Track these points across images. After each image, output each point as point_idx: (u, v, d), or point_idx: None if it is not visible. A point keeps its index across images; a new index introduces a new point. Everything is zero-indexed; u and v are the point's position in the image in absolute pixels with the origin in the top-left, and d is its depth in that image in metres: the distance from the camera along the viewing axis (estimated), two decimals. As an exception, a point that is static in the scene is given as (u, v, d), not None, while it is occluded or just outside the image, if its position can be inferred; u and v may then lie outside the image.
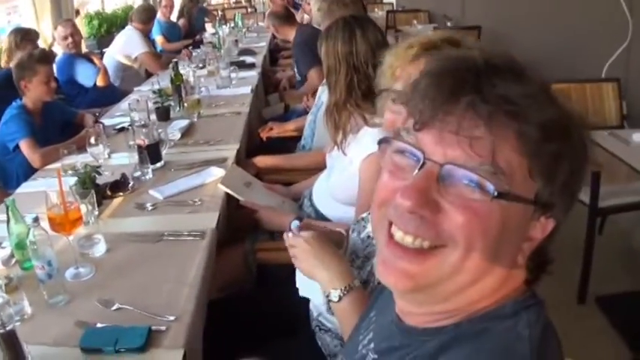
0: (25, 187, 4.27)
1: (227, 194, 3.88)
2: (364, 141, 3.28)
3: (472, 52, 1.35)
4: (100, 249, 3.16)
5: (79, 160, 4.16)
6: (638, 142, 4.78)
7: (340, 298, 2.22)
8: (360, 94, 3.44)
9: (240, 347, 2.79)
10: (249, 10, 20.49)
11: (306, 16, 11.38)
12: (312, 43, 5.43)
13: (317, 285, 2.39)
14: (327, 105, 3.69)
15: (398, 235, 1.31)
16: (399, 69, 2.43)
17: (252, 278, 3.62)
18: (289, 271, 2.57)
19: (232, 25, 12.45)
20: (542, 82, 1.29)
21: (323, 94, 4.81)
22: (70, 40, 7.90)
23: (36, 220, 2.62)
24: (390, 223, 1.34)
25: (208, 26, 14.80)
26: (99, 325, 2.50)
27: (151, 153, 4.25)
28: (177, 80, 6.06)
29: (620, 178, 4.86)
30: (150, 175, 4.20)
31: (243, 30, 12.71)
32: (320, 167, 4.14)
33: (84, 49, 8.86)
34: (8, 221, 2.98)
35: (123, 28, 10.58)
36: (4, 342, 2.16)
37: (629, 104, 6.38)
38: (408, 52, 2.40)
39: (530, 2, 9.44)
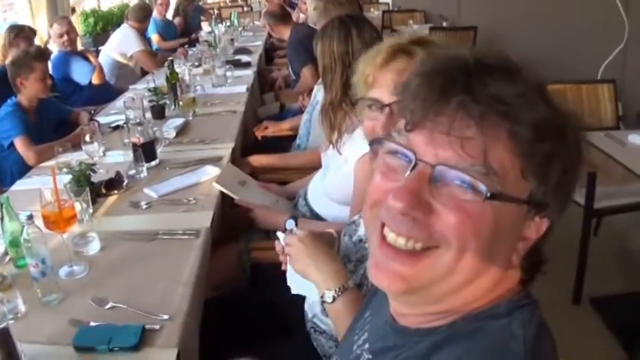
0: (20, 185, 4.25)
1: (222, 193, 3.87)
2: (359, 140, 3.27)
3: (463, 51, 1.34)
4: (94, 247, 3.16)
5: (74, 157, 4.14)
6: (634, 144, 4.79)
7: (334, 299, 2.21)
8: (355, 94, 3.44)
9: (234, 346, 2.78)
10: (245, 9, 20.51)
11: (302, 16, 11.36)
12: (306, 41, 5.42)
13: (309, 283, 2.39)
14: (322, 104, 3.69)
15: (390, 236, 1.31)
16: (370, 76, 2.45)
17: (246, 277, 3.61)
18: (283, 270, 2.56)
19: (228, 23, 12.43)
20: (536, 82, 1.29)
21: (319, 94, 4.81)
22: (65, 37, 7.89)
23: (30, 217, 2.61)
24: (383, 225, 1.34)
25: (204, 25, 14.77)
26: (92, 323, 2.49)
27: (146, 151, 4.24)
28: (173, 79, 6.05)
29: (616, 180, 4.86)
30: (145, 174, 4.19)
31: (239, 29, 12.71)
32: (315, 166, 4.14)
33: (79, 47, 8.87)
34: (2, 219, 2.98)
35: (119, 26, 10.57)
36: (-3, 340, 2.16)
37: (624, 105, 6.40)
38: (377, 59, 2.42)
39: (526, 3, 9.44)
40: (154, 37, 11.69)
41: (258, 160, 4.84)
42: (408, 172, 1.26)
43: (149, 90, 5.99)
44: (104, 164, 4.35)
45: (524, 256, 1.35)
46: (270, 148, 5.28)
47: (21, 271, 2.89)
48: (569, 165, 1.27)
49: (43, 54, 5.83)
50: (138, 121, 4.53)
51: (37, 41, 7.80)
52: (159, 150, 4.52)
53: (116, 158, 4.59)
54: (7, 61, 5.88)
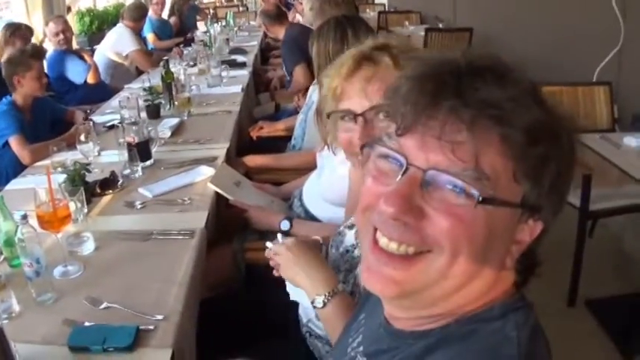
0: (15, 184, 4.24)
1: (217, 193, 3.87)
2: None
3: (455, 54, 1.33)
4: (88, 247, 3.16)
5: (69, 157, 4.14)
6: (629, 146, 4.80)
7: (325, 304, 2.21)
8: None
9: (230, 347, 2.78)
10: (241, 8, 20.58)
11: (298, 16, 11.38)
12: (300, 40, 5.42)
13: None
14: (317, 104, 3.69)
15: (383, 241, 1.31)
16: (339, 88, 2.45)
17: (241, 278, 3.61)
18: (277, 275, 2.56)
19: (224, 23, 12.43)
20: (528, 84, 1.28)
21: (314, 94, 4.80)
22: (61, 36, 7.89)
23: (24, 217, 2.61)
24: (375, 229, 1.33)
25: (200, 24, 14.79)
26: (87, 323, 2.49)
27: (141, 151, 4.24)
28: (168, 78, 6.05)
29: (611, 182, 4.86)
30: (139, 173, 4.19)
31: (235, 29, 12.71)
32: (310, 167, 4.13)
33: (75, 46, 8.86)
34: (-4, 218, 2.97)
35: (114, 25, 10.56)
36: (-10, 340, 2.15)
37: (620, 108, 6.39)
38: (341, 69, 2.43)
39: (522, 5, 9.45)
40: (150, 37, 11.69)
41: (253, 160, 4.84)
42: (400, 176, 1.26)
43: (144, 89, 6.02)
44: (99, 164, 4.35)
45: (518, 259, 1.34)
46: (266, 149, 5.27)
47: (15, 270, 2.89)
48: (563, 167, 1.27)
49: (40, 52, 5.82)
50: (133, 120, 4.52)
51: (33, 40, 7.79)
52: (154, 150, 4.52)
53: (111, 158, 4.57)
54: (3, 60, 5.86)
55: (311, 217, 3.74)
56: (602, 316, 4.60)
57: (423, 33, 11.30)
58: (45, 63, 6.45)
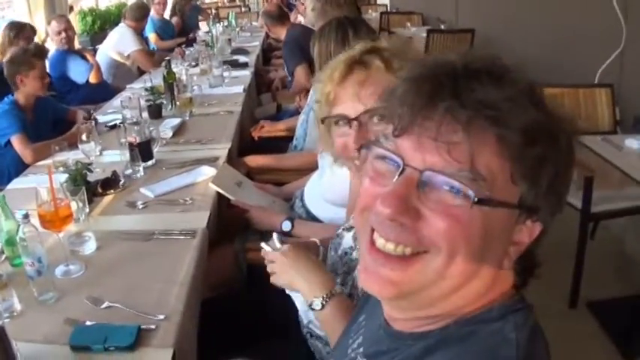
0: (16, 183, 4.25)
1: (218, 193, 3.87)
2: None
3: (452, 56, 1.34)
4: (90, 247, 3.15)
5: (71, 156, 4.15)
6: (631, 148, 4.79)
7: (323, 306, 2.21)
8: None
9: (231, 347, 2.78)
10: (243, 9, 20.61)
11: (299, 17, 11.38)
12: (301, 40, 5.42)
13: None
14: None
15: (379, 242, 1.31)
16: (332, 93, 2.46)
17: (242, 278, 3.61)
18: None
19: (226, 23, 12.43)
20: (526, 85, 1.28)
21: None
22: (63, 35, 7.90)
23: (26, 216, 2.61)
24: (372, 230, 1.34)
25: (202, 24, 14.79)
26: (88, 323, 2.49)
27: (143, 151, 4.24)
28: (170, 78, 6.06)
29: (613, 184, 4.87)
30: (141, 173, 4.19)
31: (237, 29, 12.72)
32: (312, 168, 4.13)
33: (77, 46, 8.86)
34: (-2, 217, 2.98)
35: (116, 25, 10.58)
36: (-8, 338, 2.15)
37: (622, 110, 6.40)
38: (334, 75, 2.44)
39: (524, 6, 9.44)
40: (152, 37, 11.70)
41: (254, 160, 4.85)
42: (396, 177, 1.26)
43: (146, 89, 6.01)
44: (101, 163, 4.34)
45: (517, 260, 1.34)
46: (267, 149, 5.28)
47: (17, 269, 2.89)
48: (561, 168, 1.27)
49: (43, 52, 5.84)
50: (135, 120, 4.53)
51: (35, 39, 7.79)
52: (155, 150, 4.52)
53: (113, 157, 4.58)
54: (5, 59, 5.86)
55: (312, 218, 3.74)
56: (604, 318, 4.60)
57: (424, 34, 11.30)
58: (47, 63, 6.46)
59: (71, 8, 12.04)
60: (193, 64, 8.29)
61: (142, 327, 2.41)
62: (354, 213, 1.43)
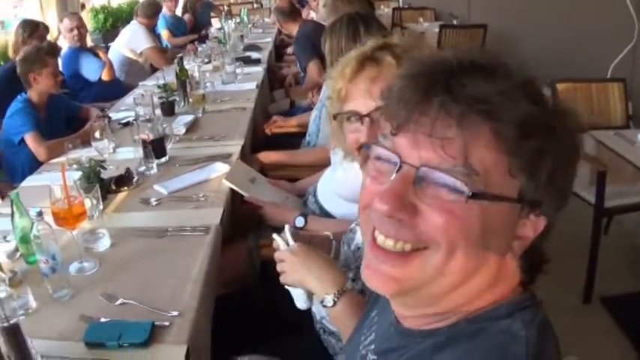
0: (30, 181, 4.26)
1: (231, 190, 3.88)
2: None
3: (447, 53, 1.34)
4: (104, 243, 3.17)
5: (84, 154, 4.18)
6: (644, 142, 4.78)
7: (335, 303, 2.21)
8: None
9: (245, 343, 2.79)
10: (255, 5, 20.53)
11: (312, 13, 11.37)
12: (313, 36, 5.43)
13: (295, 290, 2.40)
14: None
15: (380, 238, 1.33)
16: (343, 90, 2.46)
17: (256, 274, 3.62)
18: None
19: (238, 20, 12.43)
20: (521, 79, 1.28)
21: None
22: (75, 32, 7.91)
23: (40, 214, 2.62)
24: (374, 227, 1.35)
25: (214, 21, 14.78)
26: (102, 319, 2.51)
27: (156, 148, 4.26)
28: (183, 75, 6.07)
29: (626, 179, 4.86)
30: (154, 170, 4.21)
31: (249, 25, 12.72)
32: (324, 164, 4.13)
33: (89, 43, 8.87)
34: (12, 215, 2.98)
35: (128, 22, 10.59)
36: (7, 336, 2.16)
37: (634, 104, 6.37)
38: (345, 71, 2.44)
39: (536, 1, 9.41)
40: (164, 33, 11.71)
41: (267, 156, 4.86)
42: (394, 174, 1.27)
43: (159, 87, 6.02)
44: (114, 161, 4.38)
45: (523, 256, 1.35)
46: (280, 145, 5.28)
47: (31, 267, 2.91)
48: (561, 161, 1.26)
49: (55, 49, 5.85)
50: (147, 117, 4.54)
51: (48, 37, 7.81)
52: (168, 147, 4.53)
53: (126, 155, 4.60)
54: (18, 57, 5.88)
55: (325, 214, 3.74)
56: (618, 314, 4.59)
57: (437, 29, 11.29)
58: (60, 61, 6.47)
59: (83, 6, 12.07)
60: (206, 60, 8.32)
61: (156, 323, 2.43)
62: (358, 211, 1.43)
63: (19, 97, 5.39)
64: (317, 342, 2.73)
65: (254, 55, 9.19)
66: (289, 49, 10.99)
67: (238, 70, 7.53)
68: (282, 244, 2.44)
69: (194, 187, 3.92)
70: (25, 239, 2.92)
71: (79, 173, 3.65)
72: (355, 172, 3.16)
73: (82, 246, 3.06)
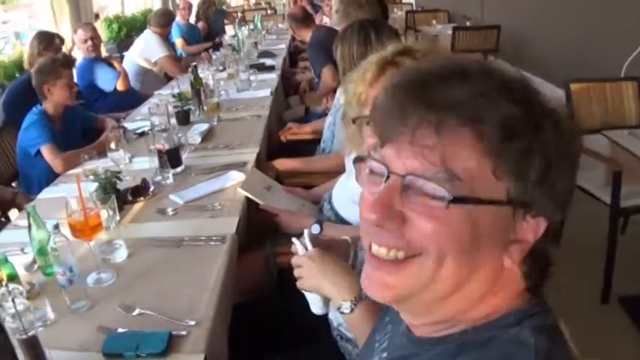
0: (47, 193, 4.29)
1: (247, 198, 3.89)
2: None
3: (424, 63, 1.36)
4: (121, 254, 3.19)
5: (100, 164, 4.18)
6: (659, 142, 4.77)
7: (352, 310, 2.21)
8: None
9: (263, 351, 2.80)
10: (269, 11, 20.54)
11: (325, 18, 11.38)
12: (326, 41, 5.44)
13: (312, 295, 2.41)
14: (343, 109, 3.70)
15: (374, 247, 1.34)
16: (363, 94, 2.47)
17: (272, 282, 3.63)
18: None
19: (252, 27, 12.45)
20: (502, 79, 1.28)
21: (342, 96, 4.81)
22: (90, 43, 7.92)
23: (56, 227, 2.64)
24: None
25: (228, 28, 14.81)
26: (120, 330, 2.52)
27: (171, 157, 4.28)
28: (197, 84, 6.09)
29: (642, 178, 4.85)
30: (170, 180, 4.23)
31: (263, 32, 12.73)
32: (340, 170, 4.14)
33: (104, 53, 8.91)
34: (30, 227, 3.01)
35: (142, 31, 10.61)
36: (26, 348, 2.19)
37: (649, 103, 6.36)
38: (366, 75, 2.45)
39: (549, 1, 9.41)
40: (178, 42, 11.73)
41: (282, 164, 4.87)
42: (382, 184, 1.29)
43: (173, 96, 6.05)
44: (130, 171, 4.40)
45: (526, 261, 1.33)
46: (295, 152, 5.28)
47: (49, 278, 2.93)
48: (553, 160, 1.25)
49: (70, 61, 5.85)
50: (163, 127, 4.56)
51: (63, 48, 7.84)
52: (184, 156, 4.55)
53: (142, 165, 4.63)
54: (33, 69, 5.90)
55: (341, 220, 3.74)
56: (636, 314, 4.58)
57: (450, 32, 11.30)
58: (74, 71, 6.50)
59: (97, 15, 12.10)
60: (220, 68, 8.32)
61: (173, 333, 2.44)
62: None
63: (34, 109, 5.40)
64: (334, 349, 2.73)
65: (268, 61, 9.21)
66: (304, 55, 11.01)
67: (252, 78, 7.55)
68: (301, 248, 2.44)
69: (210, 196, 3.94)
70: (42, 251, 2.94)
71: (95, 184, 3.66)
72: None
73: (100, 257, 3.07)
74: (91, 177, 3.99)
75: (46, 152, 5.21)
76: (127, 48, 10.79)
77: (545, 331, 1.29)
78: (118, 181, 3.78)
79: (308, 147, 5.58)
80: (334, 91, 5.89)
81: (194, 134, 5.25)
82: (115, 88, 8.02)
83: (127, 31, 13.83)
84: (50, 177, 4.93)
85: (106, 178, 3.69)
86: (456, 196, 1.20)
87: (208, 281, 2.88)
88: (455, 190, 1.20)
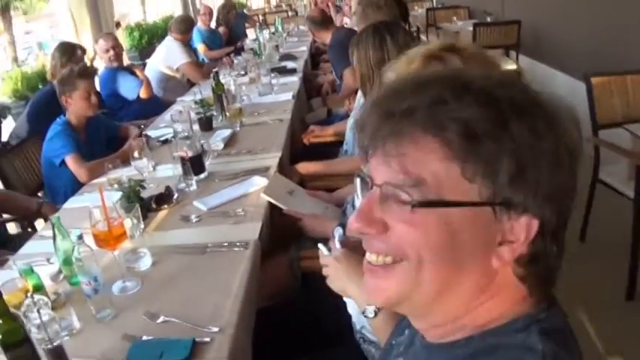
0: (72, 203, 4.34)
1: (270, 203, 3.91)
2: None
3: (400, 78, 1.40)
4: (145, 262, 3.22)
5: (125, 173, 4.21)
6: (680, 135, 4.74)
7: (376, 314, 2.21)
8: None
9: (286, 355, 2.81)
10: (290, 14, 20.55)
11: (345, 18, 11.38)
12: (346, 43, 5.47)
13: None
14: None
15: (367, 255, 1.38)
16: None
17: (297, 286, 3.64)
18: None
19: (273, 30, 12.46)
20: (463, 82, 1.28)
21: (362, 98, 4.82)
22: (111, 52, 7.95)
23: (80, 237, 2.67)
24: None
25: (249, 32, 14.83)
26: (145, 337, 2.55)
27: (194, 164, 4.30)
28: (219, 90, 6.12)
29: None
30: (194, 187, 4.25)
31: (284, 35, 12.75)
32: (362, 172, 4.13)
33: (126, 61, 8.94)
34: (55, 238, 3.04)
35: (163, 38, 10.64)
36: (52, 357, 2.22)
37: (671, 96, 6.32)
38: (410, 66, 2.42)
39: (569, -5, 9.38)
40: (200, 47, 11.76)
41: (305, 167, 4.89)
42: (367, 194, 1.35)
43: (195, 102, 6.07)
44: (154, 179, 4.43)
45: (524, 264, 1.32)
46: (318, 155, 5.29)
47: (75, 288, 2.96)
48: (526, 155, 1.22)
49: (88, 72, 5.86)
50: (186, 134, 4.59)
51: (85, 58, 7.88)
52: (207, 162, 4.57)
53: (166, 172, 4.66)
54: (55, 80, 5.94)
55: (364, 223, 3.74)
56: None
57: (471, 28, 11.26)
58: (97, 81, 6.53)
59: (118, 24, 12.15)
60: (242, 73, 8.36)
61: (197, 340, 2.46)
62: None
63: (58, 119, 5.43)
64: (358, 352, 2.74)
65: (290, 64, 9.22)
66: (325, 57, 11.00)
67: (274, 81, 7.56)
68: (325, 250, 2.45)
69: (233, 202, 3.96)
70: (67, 261, 2.97)
71: (119, 194, 3.69)
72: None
73: (124, 266, 3.10)
74: (115, 186, 4.02)
75: (71, 162, 5.24)
76: (148, 55, 10.82)
77: (553, 336, 1.28)
78: (141, 190, 3.82)
79: (331, 149, 5.58)
80: (356, 92, 5.89)
81: (217, 140, 5.28)
82: (138, 96, 8.06)
83: (149, 38, 13.91)
84: (75, 187, 4.97)
85: (130, 187, 3.72)
86: (421, 200, 1.23)
87: (232, 287, 2.89)
88: (421, 194, 1.23)
